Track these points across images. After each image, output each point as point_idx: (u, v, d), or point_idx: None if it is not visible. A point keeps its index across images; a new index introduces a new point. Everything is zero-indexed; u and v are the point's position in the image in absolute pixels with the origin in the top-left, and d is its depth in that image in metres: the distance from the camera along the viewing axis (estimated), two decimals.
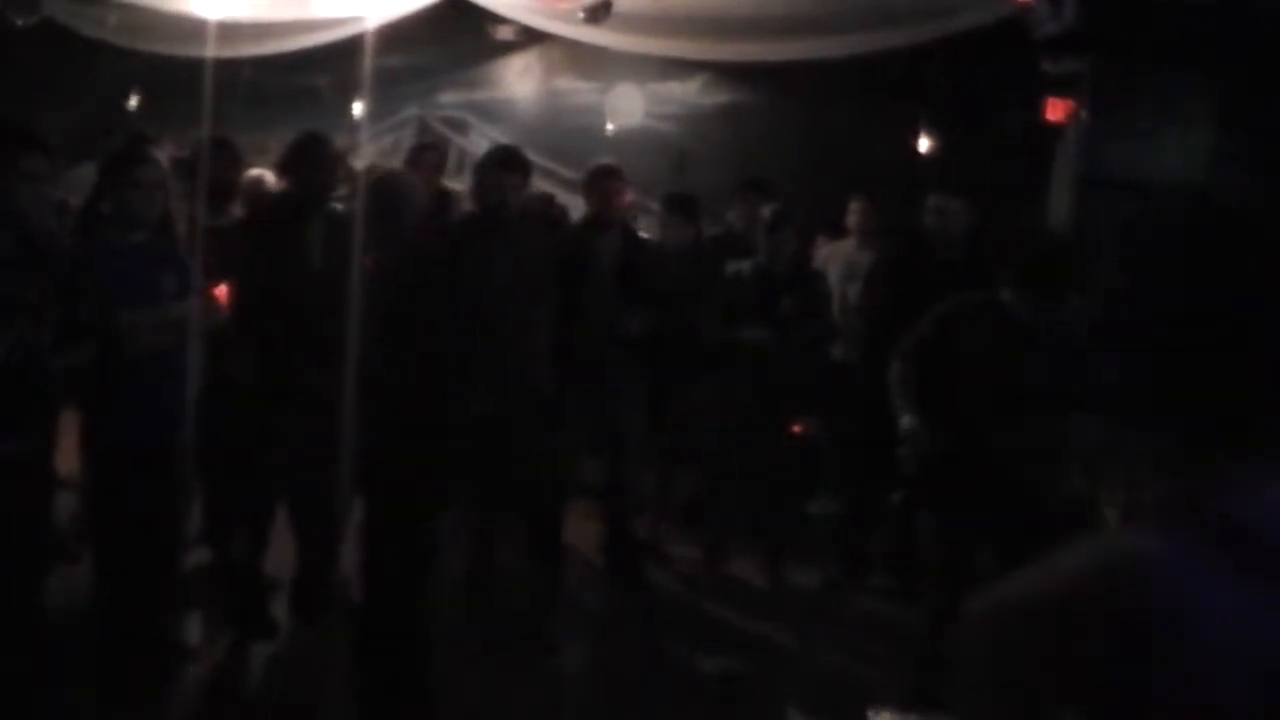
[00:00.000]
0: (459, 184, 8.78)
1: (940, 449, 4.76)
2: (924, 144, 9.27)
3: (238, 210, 6.24)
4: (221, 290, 5.11)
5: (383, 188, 4.83)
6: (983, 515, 4.75)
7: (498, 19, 9.90)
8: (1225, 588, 1.28)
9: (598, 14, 7.65)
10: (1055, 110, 9.21)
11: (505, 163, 6.00)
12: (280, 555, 5.74)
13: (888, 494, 5.13)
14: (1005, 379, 4.75)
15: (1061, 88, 9.14)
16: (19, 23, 8.81)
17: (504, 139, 9.79)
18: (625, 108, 10.79)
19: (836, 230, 7.59)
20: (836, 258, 7.40)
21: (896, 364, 5.01)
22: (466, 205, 6.97)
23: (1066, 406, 5.01)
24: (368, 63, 8.21)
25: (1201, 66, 8.22)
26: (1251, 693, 1.24)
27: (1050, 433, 4.96)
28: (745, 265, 6.61)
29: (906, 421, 4.83)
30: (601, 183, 6.59)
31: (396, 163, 8.12)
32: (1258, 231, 6.76)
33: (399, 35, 8.75)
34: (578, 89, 11.12)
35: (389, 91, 10.71)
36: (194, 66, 8.01)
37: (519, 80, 11.64)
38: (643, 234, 7.45)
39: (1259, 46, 7.33)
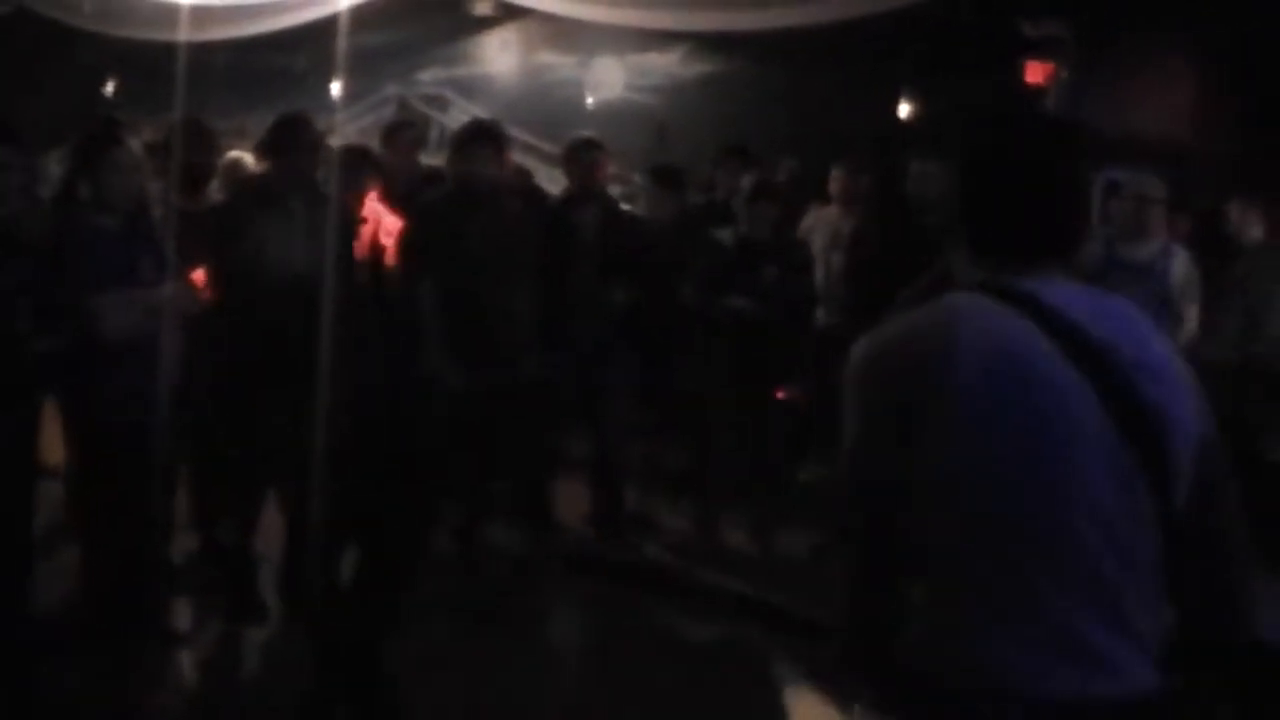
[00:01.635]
0: (439, 161, 8.75)
1: None
2: (905, 110, 9.26)
3: (215, 193, 6.21)
4: (198, 274, 5.08)
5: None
6: None
7: None
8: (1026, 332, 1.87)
9: None
10: (1035, 73, 9.20)
11: (479, 136, 5.97)
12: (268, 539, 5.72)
13: None
14: None
15: (1042, 50, 9.13)
16: None
17: (484, 115, 9.75)
18: (605, 80, 10.76)
19: (825, 198, 7.58)
20: (821, 225, 7.39)
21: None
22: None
23: None
24: (344, 42, 8.18)
25: (1179, 24, 8.21)
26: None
27: None
28: (726, 233, 6.60)
29: None
30: (582, 155, 6.56)
31: (375, 142, 8.08)
32: None
33: (376, 13, 8.71)
34: (557, 63, 11.09)
35: (367, 70, 10.66)
36: (169, 50, 7.96)
37: (498, 55, 11.60)
38: (624, 206, 7.43)
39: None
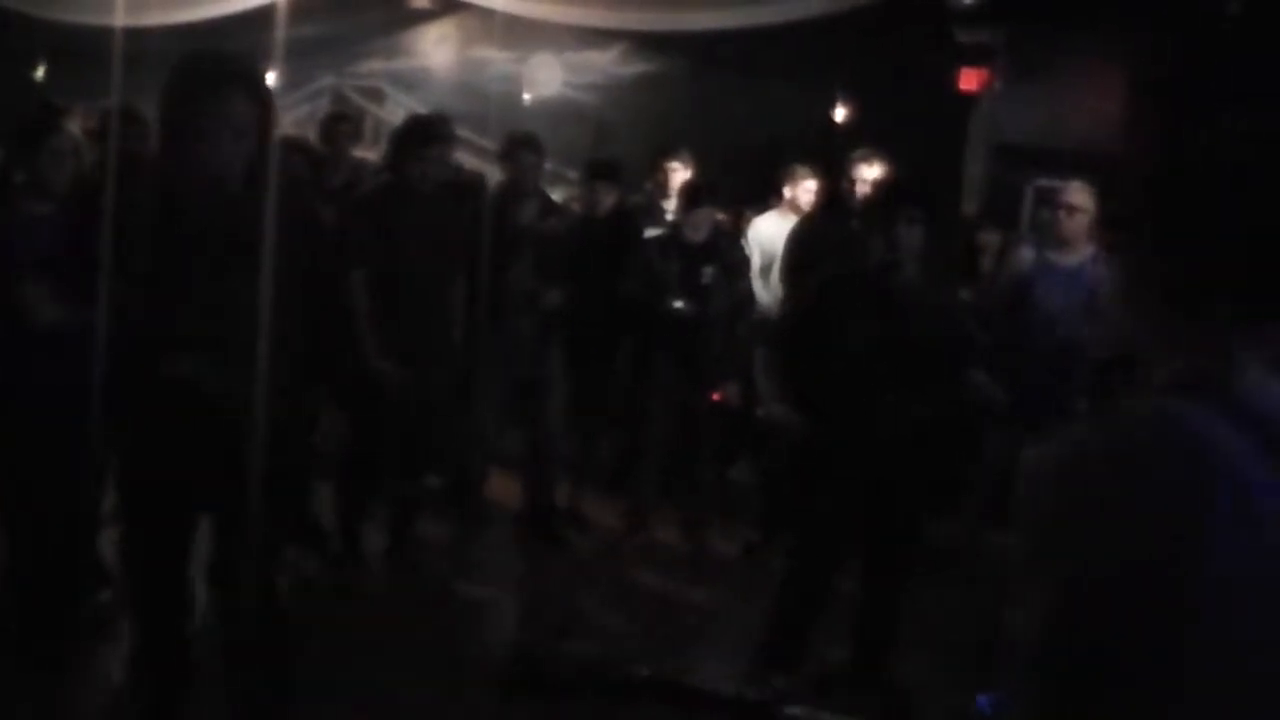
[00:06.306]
0: (374, 154, 8.70)
1: (813, 438, 4.61)
2: (840, 113, 9.34)
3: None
4: None
5: None
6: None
7: None
8: (1262, 463, 1.20)
9: None
10: (969, 80, 9.31)
11: (424, 132, 5.96)
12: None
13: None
14: (880, 349, 4.48)
15: (975, 57, 9.24)
16: None
17: (420, 108, 9.72)
18: (543, 77, 10.75)
19: (760, 200, 7.61)
20: (761, 228, 7.41)
21: (761, 349, 4.85)
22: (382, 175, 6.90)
23: (953, 371, 4.86)
24: (281, 32, 8.10)
25: (1113, 34, 8.32)
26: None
27: (942, 400, 4.74)
28: (663, 233, 6.63)
29: (775, 410, 4.68)
30: (519, 152, 6.56)
31: (311, 133, 8.03)
32: None
33: (313, 4, 8.65)
34: (495, 58, 11.05)
35: (303, 61, 10.59)
36: (102, 35, 7.84)
37: (435, 49, 11.57)
38: (559, 201, 7.43)
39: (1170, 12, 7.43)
